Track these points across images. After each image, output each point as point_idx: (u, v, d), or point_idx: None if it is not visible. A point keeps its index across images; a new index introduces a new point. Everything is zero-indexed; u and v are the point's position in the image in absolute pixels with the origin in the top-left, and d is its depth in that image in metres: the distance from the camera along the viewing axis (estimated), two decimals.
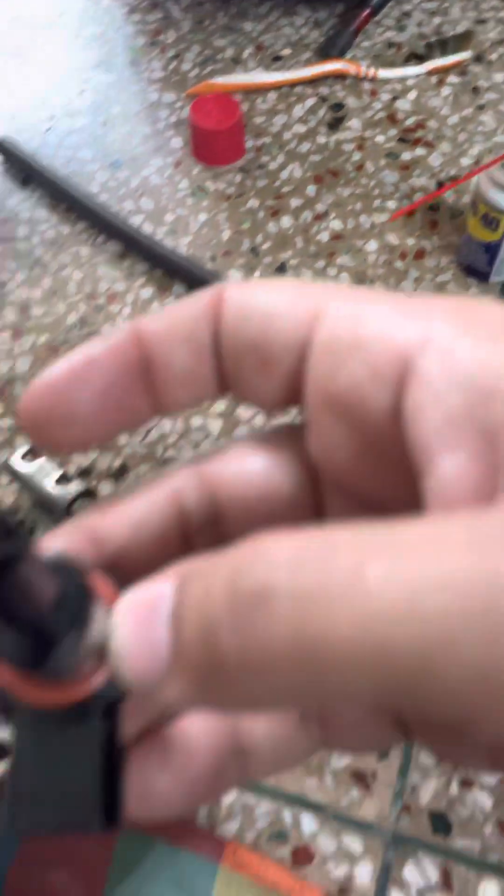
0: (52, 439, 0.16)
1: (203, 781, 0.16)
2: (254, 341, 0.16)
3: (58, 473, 0.44)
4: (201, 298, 0.16)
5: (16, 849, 0.44)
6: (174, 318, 0.16)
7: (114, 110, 0.84)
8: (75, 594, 0.14)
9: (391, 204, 0.73)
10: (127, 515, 0.17)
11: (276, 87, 0.84)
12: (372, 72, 0.82)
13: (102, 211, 0.72)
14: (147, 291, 0.70)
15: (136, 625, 0.13)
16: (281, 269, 0.70)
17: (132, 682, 0.13)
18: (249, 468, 0.17)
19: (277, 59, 0.87)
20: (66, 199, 0.75)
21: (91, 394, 0.16)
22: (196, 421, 0.61)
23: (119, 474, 0.58)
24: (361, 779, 0.48)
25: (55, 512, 0.44)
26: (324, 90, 0.84)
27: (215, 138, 0.75)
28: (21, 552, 0.12)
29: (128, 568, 0.17)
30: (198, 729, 0.16)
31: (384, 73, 0.83)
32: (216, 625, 0.12)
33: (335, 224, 0.73)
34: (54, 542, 0.17)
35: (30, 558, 0.12)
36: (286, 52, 0.88)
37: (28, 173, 0.77)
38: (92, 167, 0.79)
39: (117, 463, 0.60)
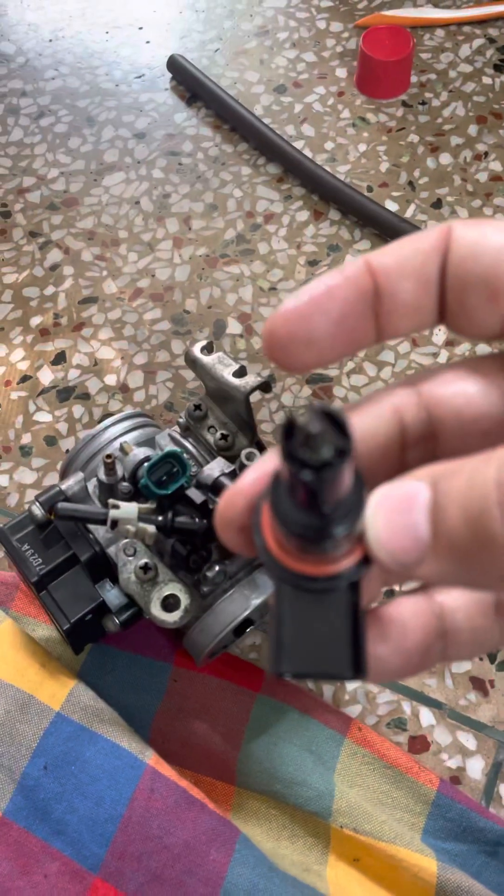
0: (290, 360, 0.18)
1: (414, 655, 0.18)
2: (484, 276, 0.17)
3: (236, 366, 0.47)
4: (429, 235, 0.18)
5: (161, 696, 0.49)
6: (404, 252, 0.18)
7: (281, 36, 0.85)
8: (357, 488, 0.16)
9: None
10: (355, 426, 0.18)
11: (445, 24, 0.84)
12: None
13: (267, 132, 0.74)
14: (303, 214, 0.72)
15: (392, 515, 0.15)
16: (437, 204, 0.71)
17: (390, 562, 0.16)
18: (467, 389, 0.18)
19: None
20: (230, 119, 0.77)
21: (328, 320, 0.18)
22: None
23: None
24: (480, 685, 0.51)
25: (233, 401, 0.47)
26: (492, 31, 0.83)
27: (384, 69, 0.76)
28: (349, 448, 0.14)
29: None
30: (410, 610, 0.19)
31: None
32: (485, 512, 0.14)
33: (494, 165, 0.73)
34: None
35: (352, 455, 0.14)
36: None
37: (195, 91, 0.80)
38: (257, 90, 0.81)
39: (265, 372, 0.63)
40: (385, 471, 0.18)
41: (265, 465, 0.18)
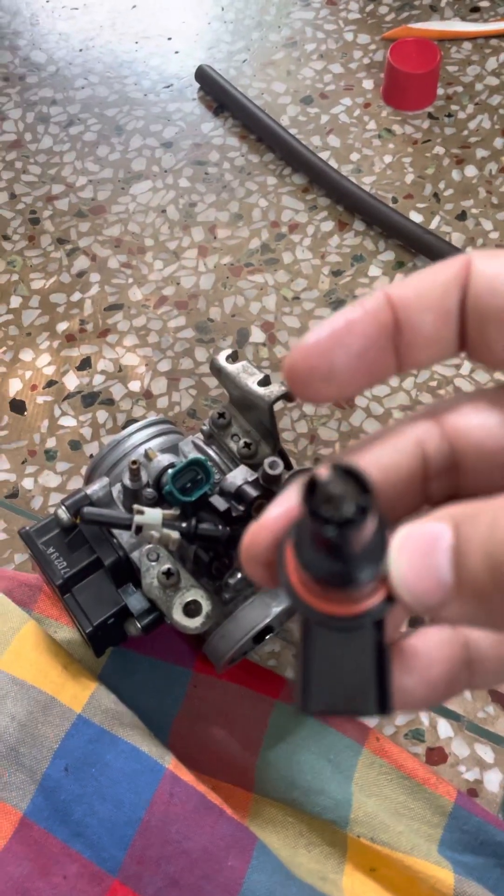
0: (311, 393, 0.18)
1: (439, 685, 0.19)
2: (502, 311, 0.17)
3: (260, 375, 0.48)
4: (449, 267, 0.18)
5: (181, 702, 0.49)
6: (423, 285, 0.18)
7: (309, 47, 0.86)
8: (379, 530, 0.16)
9: None
10: (376, 460, 0.19)
11: (472, 37, 0.84)
12: None
13: (293, 142, 0.74)
14: (328, 225, 0.72)
15: (415, 557, 0.16)
16: (461, 216, 0.72)
17: (412, 603, 0.16)
18: (488, 421, 0.18)
19: (475, 10, 0.87)
20: (256, 130, 0.78)
21: (349, 354, 0.18)
22: None
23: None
24: (499, 698, 0.51)
25: (257, 409, 0.48)
26: None
27: (411, 82, 0.76)
28: (371, 505, 0.15)
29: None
30: (435, 641, 0.19)
31: None
32: None
33: None
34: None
35: (374, 508, 0.15)
36: (484, 3, 0.87)
37: (222, 102, 0.81)
38: (284, 100, 0.81)
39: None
40: (407, 503, 0.19)
41: (289, 499, 0.18)
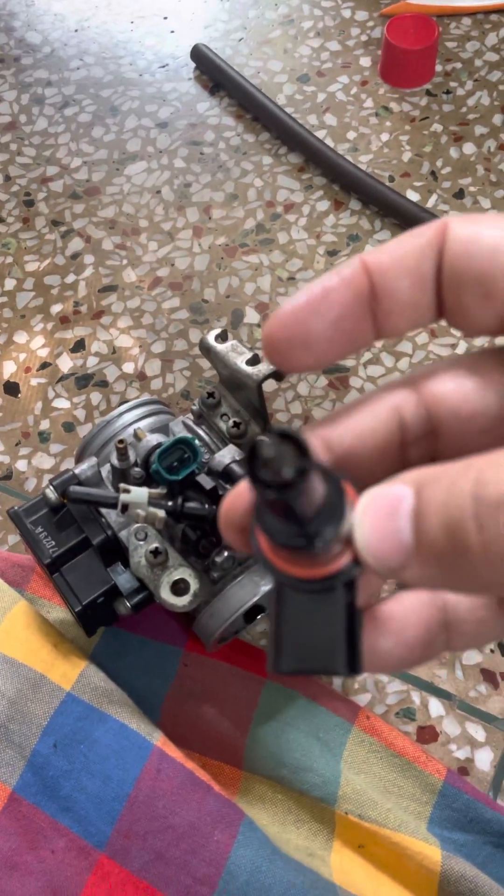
0: (289, 362, 0.18)
1: (416, 647, 0.19)
2: (478, 274, 0.17)
3: (249, 354, 0.48)
4: (425, 232, 0.18)
5: (172, 680, 0.50)
6: (399, 250, 0.18)
7: (305, 25, 0.85)
8: (335, 494, 0.17)
9: None
10: (352, 426, 0.19)
11: (471, 12, 0.83)
12: None
13: (288, 122, 0.74)
14: (324, 204, 0.72)
15: (378, 519, 0.16)
16: (459, 195, 0.71)
17: (374, 565, 0.16)
18: (464, 386, 0.18)
19: None
20: (252, 109, 0.77)
21: (326, 322, 0.18)
22: None
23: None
24: (491, 677, 0.51)
25: (246, 388, 0.47)
26: None
27: (408, 58, 0.75)
28: (311, 466, 0.15)
29: (353, 472, 0.19)
30: (412, 604, 0.19)
31: None
32: (461, 523, 0.14)
33: None
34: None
35: (314, 470, 0.15)
36: None
37: (218, 81, 0.80)
38: (280, 79, 0.81)
39: None
40: (385, 468, 0.19)
41: None
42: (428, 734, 0.49)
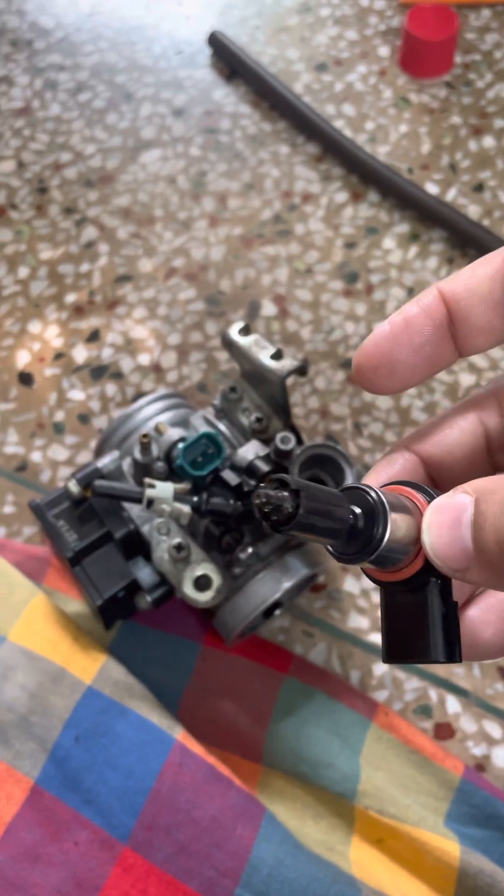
0: (378, 389, 0.21)
1: None
2: None
3: (273, 349, 0.47)
4: (495, 259, 0.20)
5: (190, 675, 0.50)
6: (472, 279, 0.20)
7: (323, 12, 0.84)
8: (370, 511, 0.19)
9: None
10: (440, 440, 0.21)
11: (492, 4, 0.82)
12: None
13: (306, 111, 0.73)
14: (342, 196, 0.71)
15: (443, 526, 0.18)
16: (478, 188, 0.70)
17: (443, 569, 0.18)
18: None
19: None
20: (269, 97, 0.76)
21: (409, 350, 0.20)
22: None
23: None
24: None
25: (269, 384, 0.47)
26: None
27: (428, 48, 0.75)
28: (301, 505, 0.17)
29: (446, 481, 0.22)
30: None
31: None
32: None
33: None
34: (390, 467, 0.22)
35: (312, 498, 0.18)
36: None
37: (235, 68, 0.79)
38: (297, 67, 0.80)
39: (299, 355, 0.63)
40: (476, 473, 0.21)
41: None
42: (444, 731, 0.50)
